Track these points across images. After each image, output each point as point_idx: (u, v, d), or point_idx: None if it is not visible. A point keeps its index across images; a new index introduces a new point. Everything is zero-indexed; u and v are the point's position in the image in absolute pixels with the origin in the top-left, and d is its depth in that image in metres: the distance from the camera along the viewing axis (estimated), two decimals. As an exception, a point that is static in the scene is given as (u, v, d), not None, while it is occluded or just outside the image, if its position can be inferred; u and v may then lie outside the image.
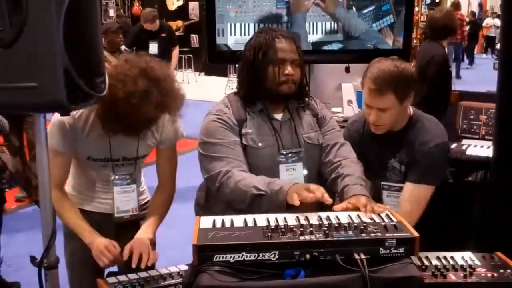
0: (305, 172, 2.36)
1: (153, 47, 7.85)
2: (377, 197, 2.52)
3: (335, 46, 3.63)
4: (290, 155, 2.35)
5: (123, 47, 7.45)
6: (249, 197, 2.14)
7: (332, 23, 3.58)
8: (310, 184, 2.07)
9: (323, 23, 3.58)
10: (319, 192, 1.99)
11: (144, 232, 2.41)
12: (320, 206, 2.07)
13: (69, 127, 2.30)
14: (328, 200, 2.00)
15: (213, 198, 2.42)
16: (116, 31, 6.19)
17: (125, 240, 2.42)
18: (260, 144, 2.34)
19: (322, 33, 3.59)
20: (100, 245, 2.31)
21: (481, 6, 23.22)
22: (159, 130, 2.47)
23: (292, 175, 2.32)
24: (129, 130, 2.25)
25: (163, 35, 7.95)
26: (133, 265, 2.25)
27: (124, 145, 2.42)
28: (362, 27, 3.59)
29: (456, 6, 15.09)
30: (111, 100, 2.08)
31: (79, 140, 2.35)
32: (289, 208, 2.04)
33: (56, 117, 2.31)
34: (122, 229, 2.50)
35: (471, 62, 18.81)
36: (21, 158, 5.41)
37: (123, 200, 2.48)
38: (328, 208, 2.07)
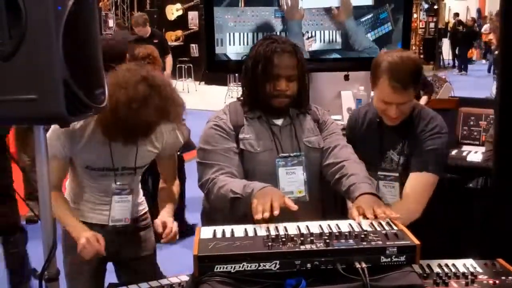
0: (305, 176, 2.36)
1: None
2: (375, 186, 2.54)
3: (334, 55, 3.63)
4: (289, 158, 2.35)
5: None
6: (228, 201, 2.17)
7: (331, 32, 3.59)
8: (277, 195, 2.05)
9: (322, 32, 3.58)
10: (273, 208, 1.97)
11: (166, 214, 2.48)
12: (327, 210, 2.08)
13: (66, 132, 2.31)
14: (294, 206, 2.00)
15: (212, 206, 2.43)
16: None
17: (125, 253, 2.43)
18: (258, 148, 2.35)
19: (321, 41, 3.60)
20: (83, 238, 2.28)
21: (479, 12, 23.27)
22: (160, 139, 2.48)
23: (292, 178, 2.33)
24: (128, 135, 2.26)
25: (155, 41, 7.88)
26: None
27: (123, 155, 2.42)
28: (366, 44, 3.61)
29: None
30: (112, 105, 2.09)
31: (77, 148, 2.36)
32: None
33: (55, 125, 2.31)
34: (123, 241, 2.51)
35: (465, 69, 18.75)
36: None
37: (118, 209, 2.48)
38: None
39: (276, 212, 1.95)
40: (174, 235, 2.37)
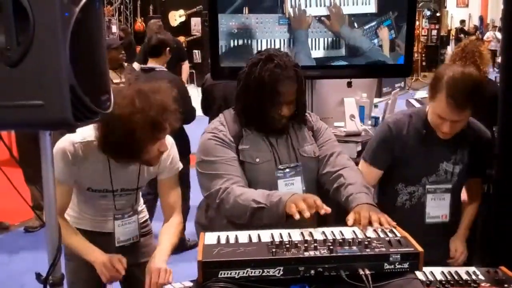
0: (303, 186, 2.37)
1: None
2: (416, 200, 2.57)
3: (338, 62, 3.64)
4: (287, 170, 2.36)
5: (125, 64, 7.47)
6: (249, 211, 2.15)
7: (335, 38, 3.60)
8: (307, 195, 2.09)
9: (326, 39, 3.59)
10: (314, 204, 2.01)
11: (158, 261, 2.37)
12: (322, 217, 2.08)
13: (70, 156, 2.31)
14: (327, 209, 2.02)
15: (213, 216, 2.43)
16: (118, 47, 6.18)
17: (126, 256, 2.44)
18: (257, 160, 2.34)
19: (325, 48, 3.61)
20: (105, 259, 2.33)
21: (481, 19, 23.30)
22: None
23: (292, 189, 2.33)
24: (133, 152, 2.23)
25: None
26: None
27: (124, 176, 2.44)
28: (364, 42, 3.61)
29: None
30: (110, 121, 2.10)
31: (80, 171, 2.36)
32: (289, 219, 2.05)
33: (58, 146, 2.31)
34: (123, 248, 2.52)
35: None
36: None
37: (123, 232, 2.51)
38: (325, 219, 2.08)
39: (322, 211, 2.01)
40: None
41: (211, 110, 4.95)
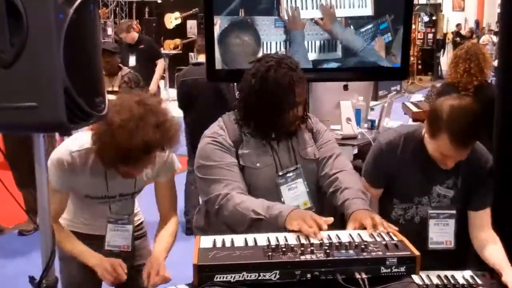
0: (307, 188, 2.36)
1: (132, 60, 7.72)
2: (408, 220, 2.53)
3: (334, 64, 3.64)
4: (288, 174, 2.34)
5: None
6: (247, 220, 2.13)
7: (331, 41, 3.60)
8: (306, 215, 2.06)
9: (322, 41, 3.59)
10: (314, 224, 2.00)
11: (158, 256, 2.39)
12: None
13: (67, 166, 2.29)
14: (328, 220, 2.01)
15: (212, 220, 2.41)
16: (118, 52, 6.06)
17: (113, 257, 2.43)
18: (258, 164, 2.32)
19: (320, 51, 3.60)
20: (105, 263, 2.31)
21: (477, 23, 23.37)
22: (156, 164, 2.45)
23: (295, 193, 2.32)
24: (128, 159, 2.18)
25: (141, 47, 7.84)
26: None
27: (121, 182, 2.42)
28: (359, 44, 3.61)
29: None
30: (108, 131, 2.09)
31: (78, 179, 2.34)
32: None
33: (54, 156, 2.30)
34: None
35: None
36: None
37: (114, 237, 2.48)
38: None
39: (325, 227, 1.99)
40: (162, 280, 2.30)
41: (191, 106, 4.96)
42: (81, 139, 2.27)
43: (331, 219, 2.03)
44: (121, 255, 2.46)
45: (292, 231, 2.00)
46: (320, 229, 1.98)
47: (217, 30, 3.49)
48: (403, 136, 2.50)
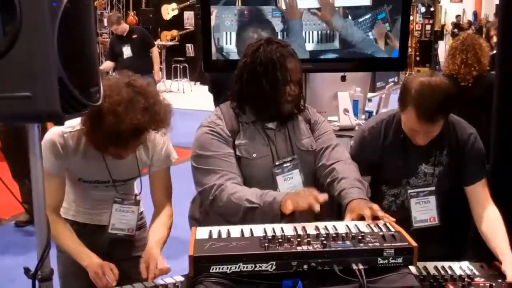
0: (302, 177, 2.34)
1: (127, 50, 7.75)
2: (400, 205, 2.53)
3: (331, 55, 3.63)
4: (285, 165, 2.33)
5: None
6: (242, 210, 2.12)
7: (329, 31, 3.59)
8: (301, 190, 2.07)
9: (319, 32, 3.58)
10: (310, 197, 1.99)
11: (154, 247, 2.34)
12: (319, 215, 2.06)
13: (60, 148, 2.27)
14: (317, 208, 1.98)
15: (207, 211, 2.40)
16: None
17: (117, 253, 2.41)
18: (254, 155, 2.31)
19: (318, 41, 3.59)
20: (96, 266, 2.25)
21: (475, 14, 23.33)
22: (150, 151, 2.44)
23: (291, 183, 2.31)
24: (117, 142, 2.17)
25: (134, 36, 7.86)
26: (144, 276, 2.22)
27: (118, 167, 2.39)
28: (359, 36, 3.60)
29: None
30: (97, 114, 2.06)
31: (71, 161, 2.32)
32: (284, 218, 2.03)
33: (47, 138, 2.27)
34: (115, 241, 2.49)
35: None
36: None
37: (120, 219, 2.45)
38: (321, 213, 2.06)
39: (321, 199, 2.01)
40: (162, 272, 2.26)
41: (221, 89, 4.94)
42: (73, 120, 2.24)
43: (325, 195, 2.03)
44: (125, 239, 2.46)
45: (288, 216, 1.99)
46: (317, 201, 1.98)
47: (213, 20, 3.48)
48: (384, 121, 2.54)
